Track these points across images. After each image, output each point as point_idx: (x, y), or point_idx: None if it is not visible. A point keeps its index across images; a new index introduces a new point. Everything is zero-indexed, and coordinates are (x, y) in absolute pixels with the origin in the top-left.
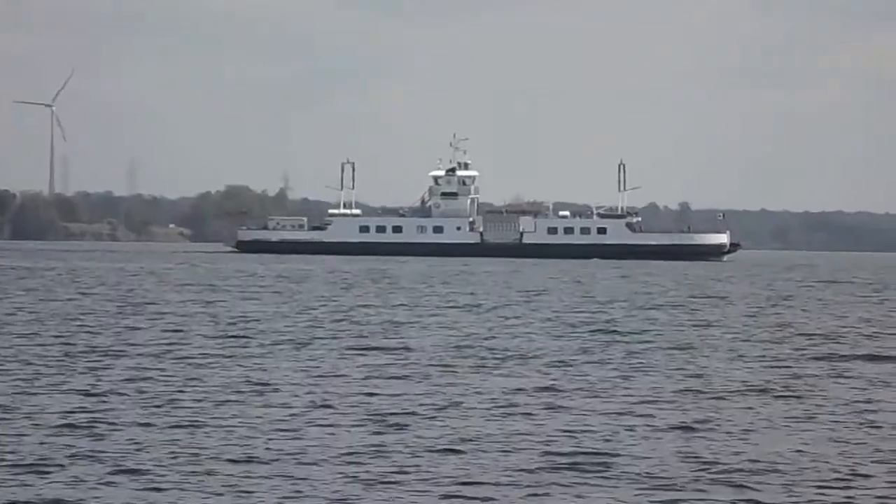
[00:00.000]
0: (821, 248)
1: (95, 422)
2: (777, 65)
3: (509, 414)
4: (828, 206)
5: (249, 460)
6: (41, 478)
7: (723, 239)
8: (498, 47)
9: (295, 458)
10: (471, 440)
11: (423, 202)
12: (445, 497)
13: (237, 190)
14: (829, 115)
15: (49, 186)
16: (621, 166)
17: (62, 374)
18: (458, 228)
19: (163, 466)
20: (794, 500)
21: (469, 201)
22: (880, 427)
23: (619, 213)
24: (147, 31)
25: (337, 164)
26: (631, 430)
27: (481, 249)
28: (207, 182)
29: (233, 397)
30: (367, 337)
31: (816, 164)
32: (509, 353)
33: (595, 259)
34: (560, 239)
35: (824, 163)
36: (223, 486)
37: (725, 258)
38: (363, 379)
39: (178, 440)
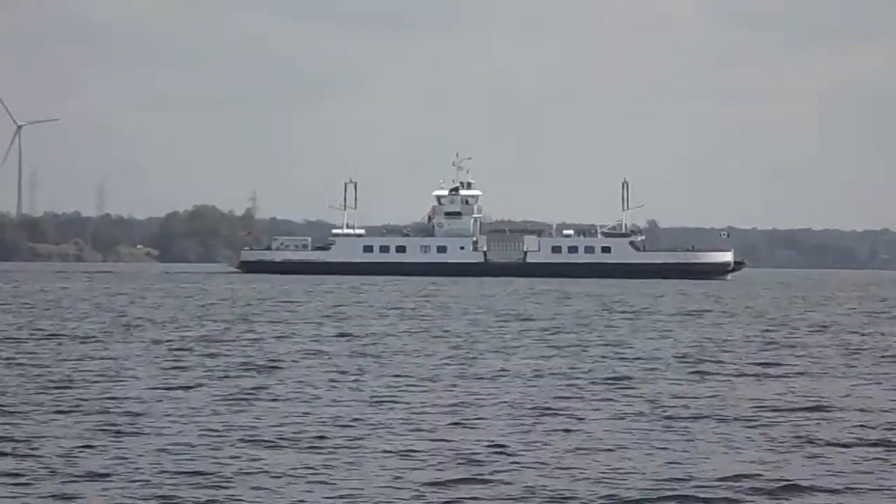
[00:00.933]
0: (787, 265)
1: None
2: (746, 79)
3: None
4: (795, 224)
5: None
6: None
7: (727, 257)
8: (499, 62)
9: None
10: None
11: (429, 219)
12: None
13: (204, 210)
14: (797, 132)
15: (17, 207)
16: (625, 185)
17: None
18: (462, 248)
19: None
20: None
21: (472, 220)
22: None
23: (624, 231)
24: (112, 47)
25: (311, 182)
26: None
27: (485, 269)
28: (175, 202)
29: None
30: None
31: (784, 181)
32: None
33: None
34: (564, 258)
35: (792, 180)
36: None
37: (730, 276)
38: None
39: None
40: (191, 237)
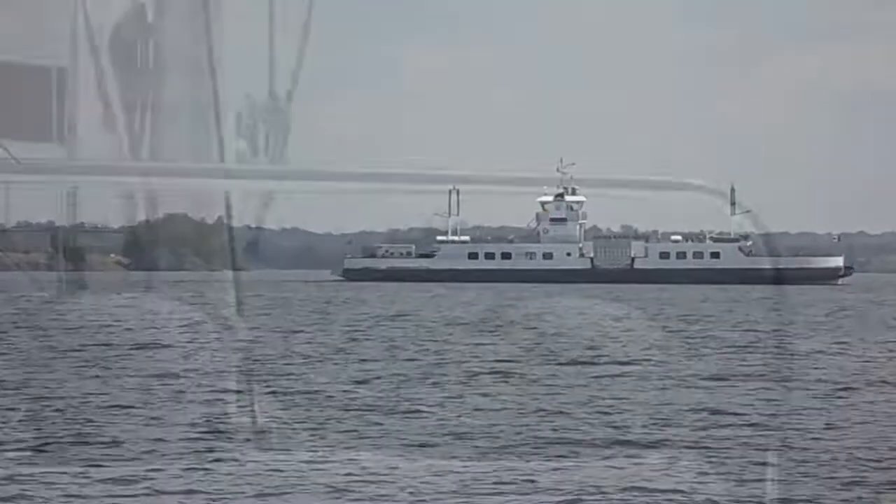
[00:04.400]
0: None
1: None
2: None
3: None
4: (771, 228)
5: None
6: None
7: (838, 262)
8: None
9: None
10: None
11: (538, 220)
12: None
13: (175, 218)
14: (769, 133)
15: None
16: (732, 190)
17: None
18: (569, 254)
19: None
20: None
21: (578, 227)
22: None
23: (732, 237)
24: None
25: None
26: None
27: (592, 275)
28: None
29: None
30: None
31: (761, 184)
32: None
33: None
34: (672, 264)
35: (770, 183)
36: None
37: (840, 282)
38: None
39: None
40: (161, 245)
